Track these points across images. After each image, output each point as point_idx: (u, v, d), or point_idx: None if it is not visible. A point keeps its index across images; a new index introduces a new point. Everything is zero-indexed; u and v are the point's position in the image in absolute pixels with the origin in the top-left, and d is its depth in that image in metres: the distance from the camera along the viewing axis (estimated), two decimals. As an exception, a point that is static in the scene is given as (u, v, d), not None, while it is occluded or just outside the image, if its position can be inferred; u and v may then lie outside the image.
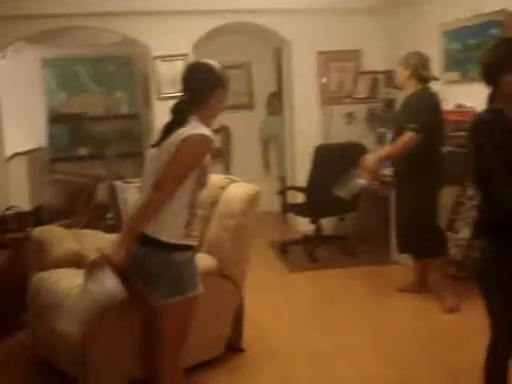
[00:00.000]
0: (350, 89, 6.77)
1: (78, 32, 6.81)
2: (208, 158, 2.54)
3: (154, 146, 2.56)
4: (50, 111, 8.03)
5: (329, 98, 6.75)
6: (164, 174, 2.43)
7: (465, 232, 4.65)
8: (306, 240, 6.06)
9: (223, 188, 3.53)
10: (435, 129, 4.28)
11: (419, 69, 4.30)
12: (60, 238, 3.67)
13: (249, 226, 3.46)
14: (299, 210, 6.14)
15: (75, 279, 3.21)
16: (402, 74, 4.39)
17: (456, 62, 5.35)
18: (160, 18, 6.24)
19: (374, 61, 6.68)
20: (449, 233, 4.70)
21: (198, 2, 6.18)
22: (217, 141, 8.01)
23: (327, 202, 5.56)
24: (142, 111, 7.99)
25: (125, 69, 8.23)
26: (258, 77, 8.06)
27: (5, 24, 5.93)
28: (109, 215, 5.25)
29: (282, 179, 7.47)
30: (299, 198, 6.14)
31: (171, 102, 2.61)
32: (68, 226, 4.05)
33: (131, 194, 4.62)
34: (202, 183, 2.54)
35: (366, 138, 6.22)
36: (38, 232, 3.73)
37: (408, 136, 4.16)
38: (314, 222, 5.99)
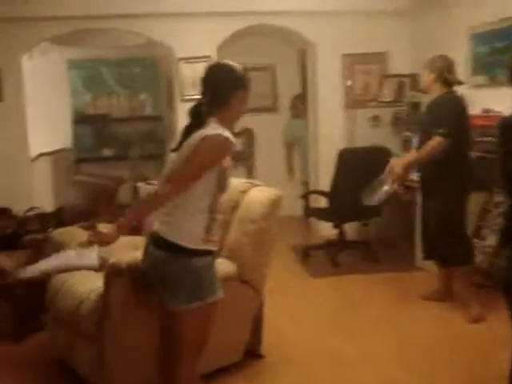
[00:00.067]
0: (376, 92, 6.70)
1: (103, 34, 6.84)
2: (228, 160, 2.49)
3: (173, 150, 2.53)
4: (75, 112, 8.10)
5: (353, 101, 6.69)
6: (178, 169, 2.41)
7: (491, 239, 4.56)
8: (328, 245, 6.00)
9: (244, 192, 3.47)
10: (462, 133, 4.21)
11: (445, 72, 4.22)
12: (79, 239, 3.63)
13: (270, 230, 3.40)
14: (322, 214, 6.08)
15: (93, 282, 3.21)
16: (427, 78, 4.32)
17: (483, 66, 5.26)
18: (184, 19, 6.23)
19: (400, 64, 6.60)
20: (475, 240, 4.61)
21: (221, 4, 6.16)
22: (240, 144, 8.04)
23: (350, 207, 5.50)
24: (166, 113, 8.00)
25: (149, 71, 8.27)
26: (282, 79, 8.01)
27: (31, 25, 5.98)
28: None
29: (306, 183, 7.41)
30: (322, 202, 6.08)
31: (194, 105, 2.57)
32: (88, 228, 4.04)
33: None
34: (222, 187, 2.50)
35: (391, 142, 6.13)
36: (58, 233, 3.74)
37: (436, 141, 4.09)
38: (336, 226, 5.92)
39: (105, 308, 2.97)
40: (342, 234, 5.96)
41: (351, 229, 6.19)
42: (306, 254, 5.97)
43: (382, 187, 4.29)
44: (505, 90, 2.61)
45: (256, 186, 3.55)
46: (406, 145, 6.03)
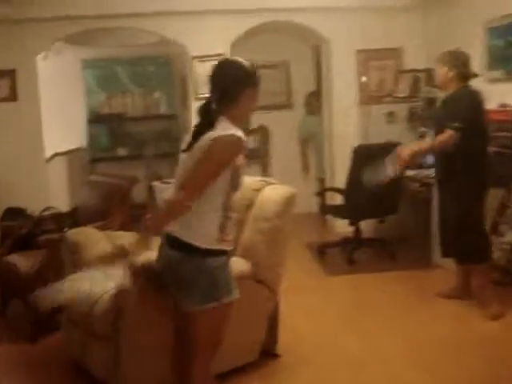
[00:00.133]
0: (391, 88, 6.65)
1: (117, 33, 6.85)
2: (240, 158, 2.46)
3: (184, 151, 2.50)
4: (89, 112, 8.13)
5: (368, 98, 6.65)
6: (190, 175, 2.37)
7: (509, 236, 4.52)
8: (344, 242, 5.96)
9: (258, 190, 3.45)
10: (479, 128, 4.15)
11: (460, 67, 4.16)
12: (93, 239, 3.66)
13: (284, 228, 3.38)
14: (338, 211, 6.04)
15: (107, 282, 3.20)
16: (441, 72, 4.25)
17: (499, 60, 5.19)
18: (197, 17, 6.22)
19: (415, 59, 6.55)
20: (493, 236, 4.55)
21: (235, 2, 6.14)
22: (254, 141, 8.00)
23: (366, 204, 5.46)
24: (180, 111, 8.00)
25: (163, 69, 8.27)
26: (296, 76, 7.97)
27: (44, 26, 6.02)
28: (148, 216, 5.24)
29: (321, 180, 7.37)
30: (338, 199, 6.04)
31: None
32: (103, 228, 4.05)
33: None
34: (235, 185, 2.47)
35: (407, 138, 6.05)
36: (72, 234, 3.74)
37: (448, 134, 4.04)
38: (352, 224, 5.88)
39: (119, 308, 2.96)
40: (358, 231, 5.91)
41: (367, 226, 6.14)
42: (321, 251, 5.93)
43: (385, 171, 4.27)
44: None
45: (270, 184, 3.52)
46: (421, 141, 5.96)
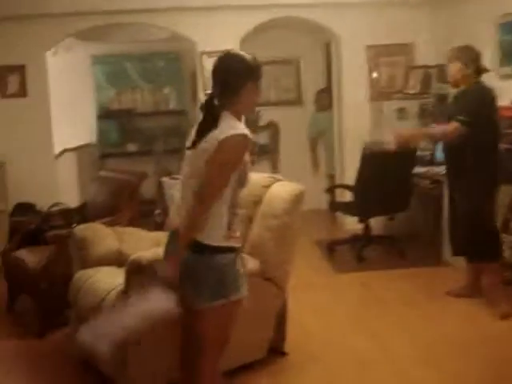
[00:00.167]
0: (401, 84, 6.60)
1: (127, 28, 6.85)
2: (247, 155, 2.44)
3: (189, 148, 2.48)
4: (99, 107, 8.13)
5: (378, 94, 6.60)
6: (204, 185, 2.33)
7: (521, 234, 4.46)
8: (353, 240, 5.92)
9: (267, 187, 3.43)
10: (491, 124, 4.11)
11: (473, 63, 4.12)
12: (101, 236, 3.66)
13: (293, 225, 3.36)
14: (347, 208, 6.01)
15: (115, 278, 3.19)
16: (455, 69, 4.21)
17: (511, 56, 5.13)
18: (207, 13, 6.21)
19: (426, 55, 6.50)
20: (503, 234, 4.50)
21: (245, -3, 6.12)
22: (265, 137, 7.96)
23: (376, 201, 5.43)
24: (190, 107, 7.98)
25: (173, 65, 8.25)
26: (306, 72, 7.94)
27: (54, 21, 6.02)
28: (157, 211, 5.25)
29: (331, 177, 7.34)
30: (348, 196, 6.01)
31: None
32: (111, 224, 4.04)
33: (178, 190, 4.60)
34: (242, 181, 2.44)
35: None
36: (80, 230, 3.74)
37: (453, 126, 4.02)
38: (362, 221, 5.85)
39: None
40: (367, 228, 5.88)
41: (377, 223, 6.10)
42: (330, 248, 5.90)
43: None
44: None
45: (279, 180, 3.50)
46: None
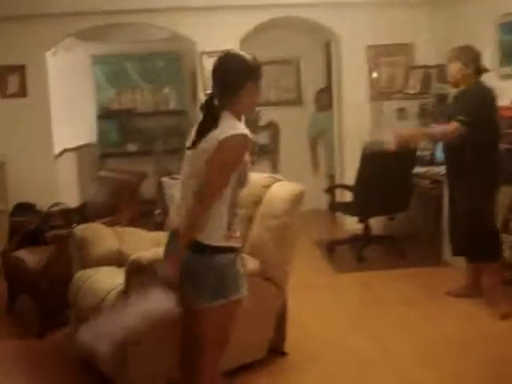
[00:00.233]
0: (401, 84, 6.60)
1: (127, 28, 6.85)
2: (247, 155, 2.44)
3: (189, 148, 2.48)
4: (99, 107, 8.14)
5: (378, 94, 6.61)
6: (204, 185, 2.33)
7: (521, 234, 4.46)
8: (353, 240, 5.93)
9: (266, 187, 3.43)
10: (491, 124, 4.11)
11: (473, 63, 4.12)
12: (101, 236, 3.66)
13: (292, 225, 3.36)
14: (347, 208, 6.01)
15: (115, 278, 3.20)
16: (455, 69, 4.21)
17: (511, 56, 5.13)
18: (207, 13, 6.22)
19: (426, 55, 6.50)
20: (503, 234, 4.50)
21: (245, -3, 6.12)
22: (265, 137, 7.96)
23: (376, 201, 5.43)
24: (190, 107, 7.98)
25: (173, 65, 8.26)
26: (306, 72, 7.94)
27: (54, 21, 6.03)
28: (157, 211, 5.25)
29: (331, 177, 7.34)
30: (348, 196, 6.01)
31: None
32: (111, 224, 4.04)
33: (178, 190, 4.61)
34: (242, 181, 2.44)
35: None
36: (80, 230, 3.74)
37: (453, 126, 4.03)
38: (362, 221, 5.85)
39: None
40: (367, 228, 5.88)
41: (377, 223, 6.10)
42: (330, 248, 5.90)
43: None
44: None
45: (278, 180, 3.50)
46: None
